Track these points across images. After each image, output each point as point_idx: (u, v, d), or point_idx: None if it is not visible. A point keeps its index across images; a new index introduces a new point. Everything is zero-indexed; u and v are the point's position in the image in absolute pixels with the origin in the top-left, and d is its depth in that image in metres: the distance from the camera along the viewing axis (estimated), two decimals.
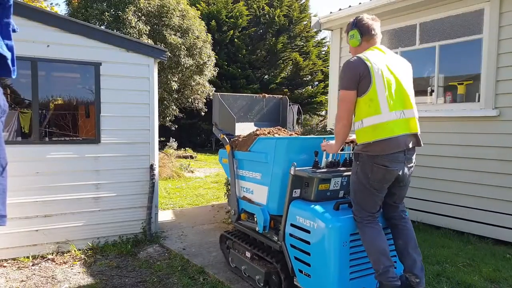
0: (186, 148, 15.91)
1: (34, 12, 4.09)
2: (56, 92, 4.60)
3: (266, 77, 20.83)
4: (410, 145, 2.45)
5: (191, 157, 14.32)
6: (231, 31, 18.93)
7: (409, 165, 2.52)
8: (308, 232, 2.66)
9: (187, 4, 13.78)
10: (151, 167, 4.70)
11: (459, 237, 4.80)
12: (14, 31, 1.56)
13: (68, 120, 4.57)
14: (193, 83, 13.70)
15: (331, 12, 6.28)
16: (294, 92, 21.59)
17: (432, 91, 5.36)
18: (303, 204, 2.78)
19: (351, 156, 2.91)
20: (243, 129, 3.89)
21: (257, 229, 3.18)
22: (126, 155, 4.58)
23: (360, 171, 2.50)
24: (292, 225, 2.82)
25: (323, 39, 22.48)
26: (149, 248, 4.42)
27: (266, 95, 4.38)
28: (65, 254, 4.21)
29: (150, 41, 11.37)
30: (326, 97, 19.96)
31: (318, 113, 22.54)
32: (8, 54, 1.52)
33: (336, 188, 2.89)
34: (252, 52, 20.00)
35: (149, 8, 12.07)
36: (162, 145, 13.73)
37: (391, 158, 2.38)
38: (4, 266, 3.90)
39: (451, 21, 5.08)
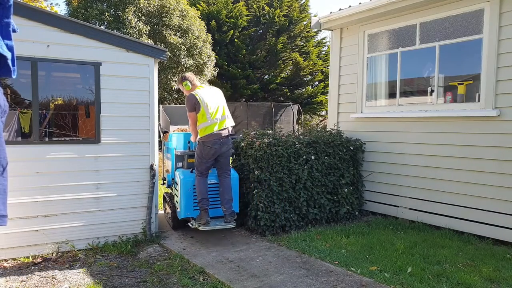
0: None
1: (34, 12, 4.09)
2: (56, 92, 4.59)
3: (266, 77, 20.82)
4: (223, 135, 4.54)
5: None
6: (231, 31, 18.91)
7: (225, 146, 4.58)
8: (178, 184, 4.75)
9: (187, 4, 13.78)
10: (151, 167, 4.71)
11: (459, 237, 4.80)
12: (14, 31, 1.57)
13: (68, 120, 4.56)
14: None
15: (331, 12, 6.27)
16: (294, 92, 21.58)
17: (432, 91, 5.36)
18: (179, 170, 4.89)
19: None
20: (178, 129, 5.82)
21: (166, 186, 5.54)
22: (126, 155, 4.59)
23: (198, 149, 4.59)
24: (176, 182, 4.90)
25: (323, 39, 22.48)
26: (149, 248, 4.43)
27: None
28: (65, 254, 4.21)
29: (150, 41, 11.37)
30: (326, 97, 19.96)
31: (318, 113, 22.53)
32: (8, 54, 1.52)
33: None
34: (252, 52, 19.98)
35: (149, 8, 12.08)
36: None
37: (213, 142, 4.48)
38: (4, 266, 3.90)
39: (451, 21, 5.08)
